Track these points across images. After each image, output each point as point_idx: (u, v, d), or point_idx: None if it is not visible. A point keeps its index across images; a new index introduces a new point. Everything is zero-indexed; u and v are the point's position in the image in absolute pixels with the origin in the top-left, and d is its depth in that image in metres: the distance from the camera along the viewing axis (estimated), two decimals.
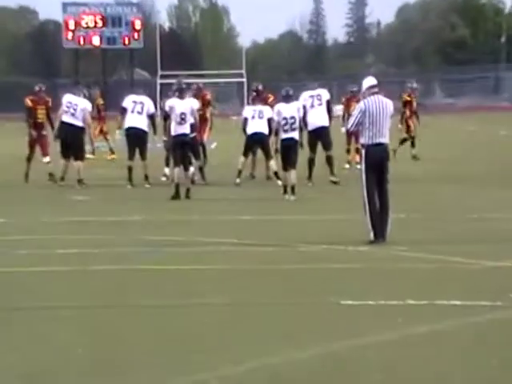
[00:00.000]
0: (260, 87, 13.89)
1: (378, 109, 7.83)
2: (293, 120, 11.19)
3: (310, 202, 11.08)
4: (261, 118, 12.53)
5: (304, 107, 12.64)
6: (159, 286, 6.15)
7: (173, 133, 11.49)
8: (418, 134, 18.62)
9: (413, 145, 17.91)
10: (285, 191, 11.18)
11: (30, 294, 5.93)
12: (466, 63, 62.43)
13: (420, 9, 71.93)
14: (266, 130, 12.50)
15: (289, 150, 11.23)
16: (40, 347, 4.72)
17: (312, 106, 12.75)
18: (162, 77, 48.00)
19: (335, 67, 74.64)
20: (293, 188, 11.10)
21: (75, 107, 12.70)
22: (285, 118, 11.19)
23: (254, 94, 13.84)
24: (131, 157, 12.84)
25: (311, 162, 12.93)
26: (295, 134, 11.25)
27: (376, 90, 7.90)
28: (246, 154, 12.91)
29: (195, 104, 11.73)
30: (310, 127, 12.69)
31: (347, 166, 14.42)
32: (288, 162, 11.29)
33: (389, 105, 7.95)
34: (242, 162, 12.92)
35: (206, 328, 5.03)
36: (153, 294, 5.87)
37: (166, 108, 11.83)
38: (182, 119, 11.38)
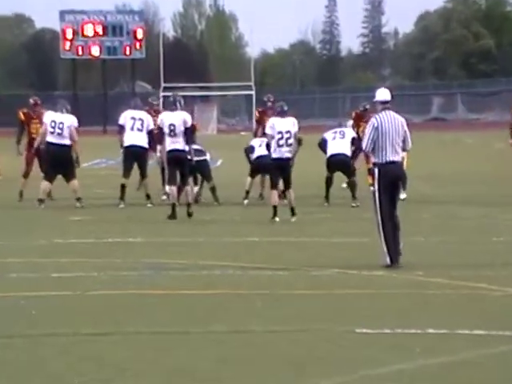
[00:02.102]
0: (272, 99, 14.12)
1: (390, 125, 7.88)
2: (288, 135, 11.18)
3: (320, 224, 11.11)
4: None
5: (325, 140, 13.10)
6: (160, 311, 6.17)
7: (167, 148, 11.58)
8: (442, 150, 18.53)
9: None
10: (274, 214, 11.07)
11: (23, 319, 5.96)
12: (490, 75, 62.59)
13: (441, 17, 72.17)
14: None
15: (281, 170, 11.21)
16: (35, 375, 4.75)
17: (334, 139, 13.18)
18: (166, 89, 48.21)
19: (349, 79, 74.95)
20: (292, 209, 11.13)
21: (61, 126, 12.62)
22: (280, 132, 11.15)
23: (270, 104, 14.03)
24: (127, 175, 12.94)
25: (328, 181, 13.07)
26: (289, 152, 11.21)
27: (388, 105, 7.97)
28: (252, 175, 13.00)
29: (188, 117, 11.77)
30: (329, 153, 13.07)
31: (344, 185, 14.46)
32: (283, 182, 11.36)
33: (402, 121, 8.02)
34: (249, 183, 13.01)
35: (208, 358, 5.05)
36: (153, 321, 5.90)
37: (158, 121, 11.97)
38: (171, 131, 11.47)
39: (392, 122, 7.91)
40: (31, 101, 13.95)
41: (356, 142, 13.61)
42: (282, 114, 11.40)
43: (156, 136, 12.60)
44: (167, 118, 11.63)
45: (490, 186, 16.07)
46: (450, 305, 6.36)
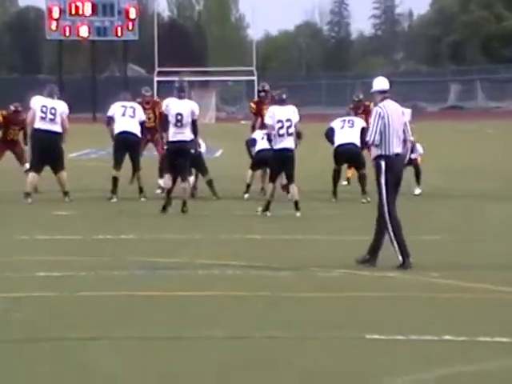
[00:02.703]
0: (267, 87, 13.99)
1: (394, 115, 7.92)
2: (289, 123, 11.18)
3: (327, 220, 11.10)
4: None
5: (332, 129, 13.06)
6: (153, 314, 6.16)
7: (170, 138, 11.54)
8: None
9: None
10: (267, 207, 11.17)
11: (5, 323, 5.94)
12: None
13: None
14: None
15: (283, 163, 11.24)
16: (19, 382, 4.74)
17: (342, 128, 13.13)
18: (160, 74, 48.30)
19: (359, 64, 74.94)
20: (296, 203, 11.19)
21: (53, 111, 12.51)
22: (280, 121, 11.15)
23: (263, 94, 13.94)
24: (118, 166, 12.88)
25: (336, 175, 13.03)
26: (291, 143, 11.21)
27: (388, 94, 8.01)
28: (254, 169, 13.00)
29: (196, 107, 11.73)
30: (337, 142, 13.03)
31: (345, 182, 14.43)
32: (286, 176, 11.42)
33: (402, 110, 8.07)
34: (249, 176, 13.01)
35: (203, 367, 5.03)
36: (145, 325, 5.89)
37: (163, 107, 11.87)
38: (178, 121, 11.39)
39: (395, 111, 7.95)
40: (12, 108, 13.99)
41: (366, 131, 13.58)
42: (281, 102, 11.39)
43: (160, 123, 12.49)
44: (174, 106, 11.44)
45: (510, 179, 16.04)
46: (468, 309, 6.34)
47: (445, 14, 70.74)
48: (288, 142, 11.18)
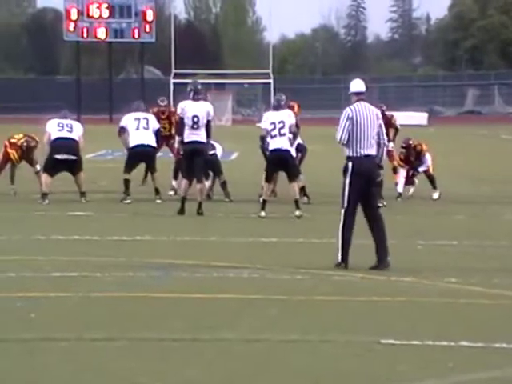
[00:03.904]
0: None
1: (365, 117, 8.01)
2: (281, 124, 11.30)
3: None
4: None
5: None
6: (168, 316, 6.16)
7: (185, 139, 11.59)
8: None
9: None
10: (262, 208, 11.24)
11: (19, 323, 5.97)
12: None
13: (477, 2, 71.78)
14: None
15: (278, 163, 11.37)
16: (35, 383, 4.75)
17: None
18: (177, 76, 48.38)
19: (376, 68, 74.67)
20: (297, 202, 11.28)
21: (70, 125, 12.85)
22: (273, 123, 11.33)
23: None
24: (129, 170, 12.98)
25: None
26: (284, 143, 11.28)
27: (363, 97, 8.12)
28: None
29: (211, 108, 11.78)
30: None
31: None
32: (286, 175, 11.49)
33: (376, 113, 8.14)
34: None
35: (218, 370, 5.02)
36: (161, 326, 5.89)
37: (178, 110, 11.92)
38: (195, 123, 11.47)
39: (367, 113, 8.03)
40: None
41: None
42: (277, 107, 11.61)
43: (176, 128, 12.55)
44: (190, 109, 11.54)
45: None
46: (486, 315, 6.30)
47: (463, 18, 70.46)
48: (281, 142, 11.30)
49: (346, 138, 7.98)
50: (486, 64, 65.51)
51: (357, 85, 8.20)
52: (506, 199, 13.72)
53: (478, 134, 37.03)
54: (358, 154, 7.94)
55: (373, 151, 8.02)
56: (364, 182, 7.92)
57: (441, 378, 4.88)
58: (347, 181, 7.94)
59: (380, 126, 8.18)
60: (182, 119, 11.64)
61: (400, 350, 5.37)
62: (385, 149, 8.33)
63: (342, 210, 7.94)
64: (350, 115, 8.00)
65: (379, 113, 8.25)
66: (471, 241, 9.65)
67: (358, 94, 8.13)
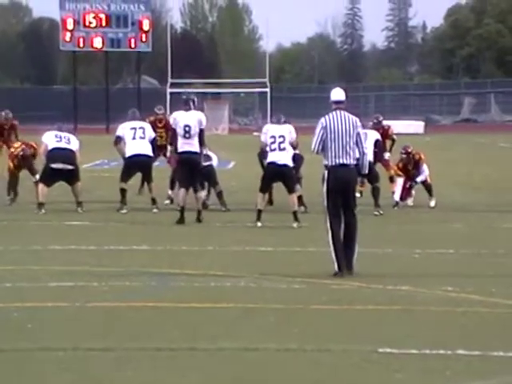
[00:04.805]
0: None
1: (340, 125, 8.05)
2: (282, 139, 11.38)
3: None
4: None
5: None
6: (166, 326, 6.16)
7: (179, 149, 11.69)
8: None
9: None
10: (257, 218, 11.27)
11: (18, 332, 5.96)
12: None
13: (473, 10, 72.02)
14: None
15: (275, 176, 11.49)
16: None
17: None
18: (173, 85, 48.43)
19: (372, 76, 74.90)
20: (295, 214, 11.32)
21: (67, 137, 12.88)
22: (273, 137, 11.41)
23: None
24: (126, 180, 12.99)
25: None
26: (283, 157, 11.36)
27: (342, 106, 8.17)
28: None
29: (203, 117, 11.89)
30: None
31: (358, 195, 14.43)
32: (285, 187, 11.54)
33: (354, 121, 8.14)
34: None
35: (217, 379, 5.02)
36: (158, 336, 5.89)
37: (171, 121, 12.05)
38: (186, 132, 11.60)
39: (343, 122, 8.07)
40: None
41: (379, 144, 13.60)
42: (278, 122, 11.72)
43: (171, 136, 12.63)
44: (182, 119, 11.72)
45: None
46: (482, 324, 6.31)
47: (459, 26, 70.69)
48: (279, 156, 11.38)
49: (321, 148, 8.05)
50: (483, 72, 65.74)
51: (336, 94, 8.25)
52: (504, 207, 13.74)
53: (476, 142, 37.11)
54: (334, 163, 8.00)
55: (350, 160, 8.03)
56: (341, 190, 7.97)
57: None
58: (324, 189, 8.04)
59: (358, 134, 8.13)
60: (174, 130, 11.83)
61: (397, 359, 5.38)
62: (365, 158, 8.29)
63: (328, 222, 7.98)
64: (324, 124, 8.06)
65: (358, 121, 8.20)
66: (468, 249, 9.66)
67: (336, 102, 8.18)
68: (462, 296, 7.12)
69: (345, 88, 8.70)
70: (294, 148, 11.91)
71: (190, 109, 11.79)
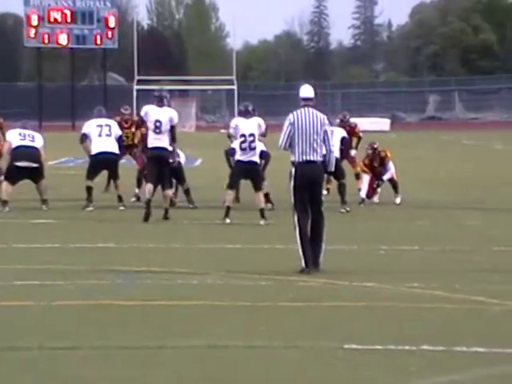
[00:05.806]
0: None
1: (308, 122, 8.09)
2: (252, 138, 11.41)
3: None
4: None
5: None
6: (133, 324, 6.14)
7: (149, 145, 11.64)
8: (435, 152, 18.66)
9: None
10: (226, 215, 11.28)
11: None
12: (491, 72, 63.01)
13: (437, 9, 72.65)
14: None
15: (244, 174, 11.56)
16: None
17: None
18: (140, 82, 48.22)
19: (339, 74, 75.19)
20: (262, 211, 11.34)
21: (32, 135, 12.73)
22: (243, 135, 11.41)
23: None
24: (92, 177, 12.92)
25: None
26: (254, 156, 11.44)
27: (310, 103, 8.22)
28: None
29: (175, 114, 11.84)
30: None
31: (325, 192, 14.51)
32: (252, 184, 11.58)
33: (321, 118, 8.19)
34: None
35: (185, 377, 5.02)
36: (125, 334, 5.87)
37: (142, 113, 11.99)
38: (157, 127, 11.55)
39: (311, 119, 8.11)
40: None
41: (346, 142, 13.67)
42: (245, 114, 11.69)
43: (142, 137, 12.60)
44: (153, 113, 11.66)
45: (489, 190, 16.17)
46: (446, 319, 6.38)
47: (424, 25, 71.27)
48: (250, 156, 11.42)
49: (288, 144, 8.09)
50: (447, 70, 66.34)
51: (305, 90, 8.29)
52: (468, 204, 13.90)
53: (440, 139, 37.44)
54: (301, 160, 8.04)
55: (317, 156, 8.07)
56: (308, 187, 8.01)
57: (403, 381, 4.93)
58: (291, 186, 8.08)
59: (326, 132, 8.16)
60: (144, 122, 11.79)
61: (363, 355, 5.42)
62: (332, 155, 8.33)
63: (295, 218, 8.00)
64: (292, 120, 8.10)
65: (325, 119, 8.24)
66: (433, 246, 9.76)
67: (305, 99, 8.22)
68: (426, 292, 7.19)
69: (313, 85, 8.73)
70: (264, 136, 11.92)
71: (163, 105, 11.75)
